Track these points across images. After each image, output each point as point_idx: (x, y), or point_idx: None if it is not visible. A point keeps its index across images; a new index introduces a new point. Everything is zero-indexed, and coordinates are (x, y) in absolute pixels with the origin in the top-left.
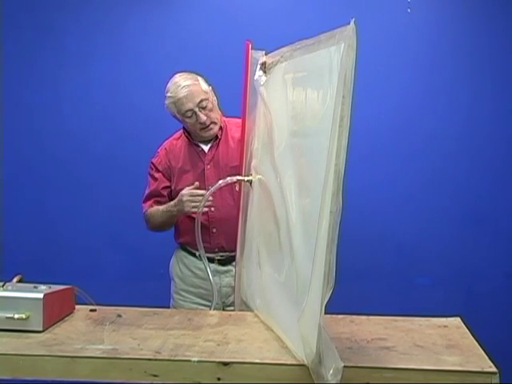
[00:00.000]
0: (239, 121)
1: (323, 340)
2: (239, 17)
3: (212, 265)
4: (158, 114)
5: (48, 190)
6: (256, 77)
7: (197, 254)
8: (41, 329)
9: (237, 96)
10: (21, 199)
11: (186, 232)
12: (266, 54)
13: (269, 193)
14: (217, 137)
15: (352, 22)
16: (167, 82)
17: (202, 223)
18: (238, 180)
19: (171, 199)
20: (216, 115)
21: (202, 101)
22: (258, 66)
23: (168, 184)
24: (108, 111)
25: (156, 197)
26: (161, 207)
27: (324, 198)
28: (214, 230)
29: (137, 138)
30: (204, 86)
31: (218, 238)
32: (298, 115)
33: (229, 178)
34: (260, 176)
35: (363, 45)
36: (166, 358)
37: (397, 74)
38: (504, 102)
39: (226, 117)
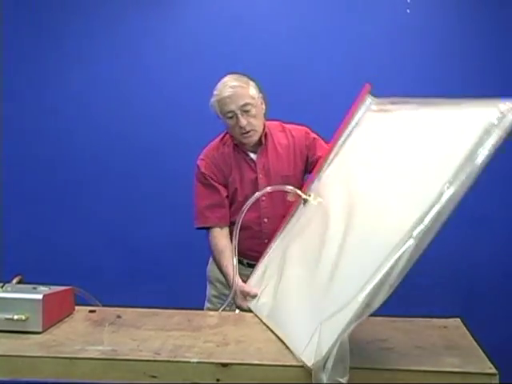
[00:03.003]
0: (278, 124)
1: (341, 349)
2: (240, 18)
3: None
4: (159, 115)
5: (48, 191)
6: (363, 114)
7: (244, 261)
8: (40, 330)
9: None
10: (21, 200)
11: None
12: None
13: (327, 215)
14: (261, 143)
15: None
16: (169, 83)
17: (255, 233)
18: (290, 190)
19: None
20: (259, 123)
21: (245, 105)
22: (375, 108)
23: (227, 193)
24: (109, 112)
25: (221, 207)
26: (225, 263)
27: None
28: (266, 241)
29: (138, 139)
30: (253, 91)
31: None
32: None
33: (279, 186)
34: (321, 200)
35: (362, 46)
36: (166, 359)
37: (396, 74)
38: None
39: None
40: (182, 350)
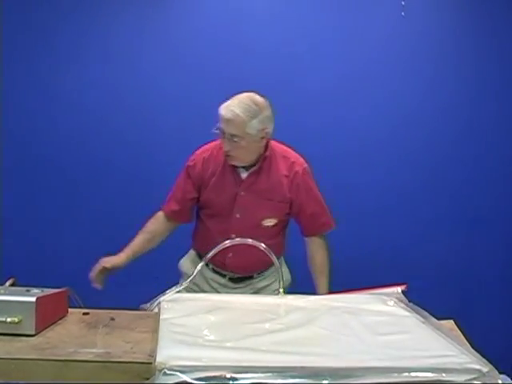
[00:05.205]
0: (284, 149)
1: None
2: (235, 18)
3: (223, 279)
4: (153, 117)
5: (43, 193)
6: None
7: (210, 266)
8: (33, 332)
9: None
10: (16, 202)
11: (203, 241)
12: None
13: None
14: (254, 165)
15: None
16: (163, 85)
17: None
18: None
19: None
20: (245, 154)
21: (234, 135)
22: None
23: (195, 195)
24: (103, 114)
25: (178, 203)
26: (136, 241)
27: None
28: (230, 255)
29: (132, 142)
30: (252, 128)
31: (234, 262)
32: None
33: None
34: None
35: (358, 47)
36: None
37: (391, 77)
38: (501, 104)
39: (279, 142)
40: None
